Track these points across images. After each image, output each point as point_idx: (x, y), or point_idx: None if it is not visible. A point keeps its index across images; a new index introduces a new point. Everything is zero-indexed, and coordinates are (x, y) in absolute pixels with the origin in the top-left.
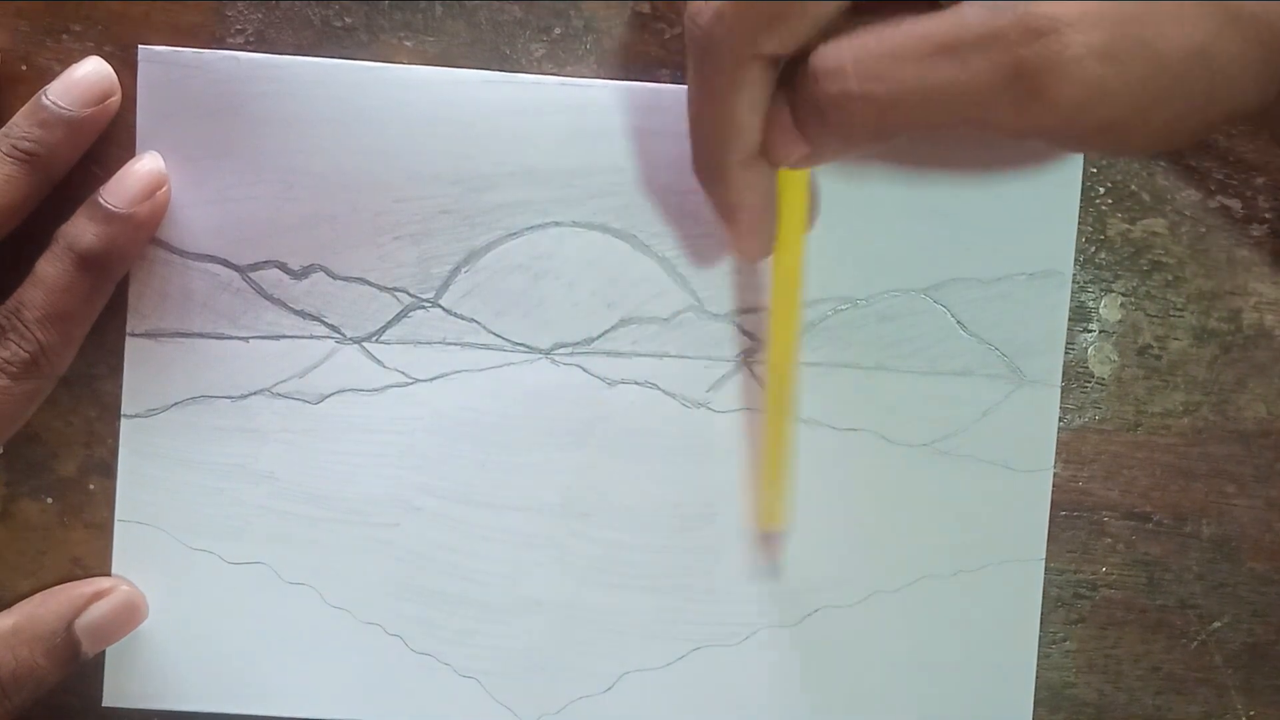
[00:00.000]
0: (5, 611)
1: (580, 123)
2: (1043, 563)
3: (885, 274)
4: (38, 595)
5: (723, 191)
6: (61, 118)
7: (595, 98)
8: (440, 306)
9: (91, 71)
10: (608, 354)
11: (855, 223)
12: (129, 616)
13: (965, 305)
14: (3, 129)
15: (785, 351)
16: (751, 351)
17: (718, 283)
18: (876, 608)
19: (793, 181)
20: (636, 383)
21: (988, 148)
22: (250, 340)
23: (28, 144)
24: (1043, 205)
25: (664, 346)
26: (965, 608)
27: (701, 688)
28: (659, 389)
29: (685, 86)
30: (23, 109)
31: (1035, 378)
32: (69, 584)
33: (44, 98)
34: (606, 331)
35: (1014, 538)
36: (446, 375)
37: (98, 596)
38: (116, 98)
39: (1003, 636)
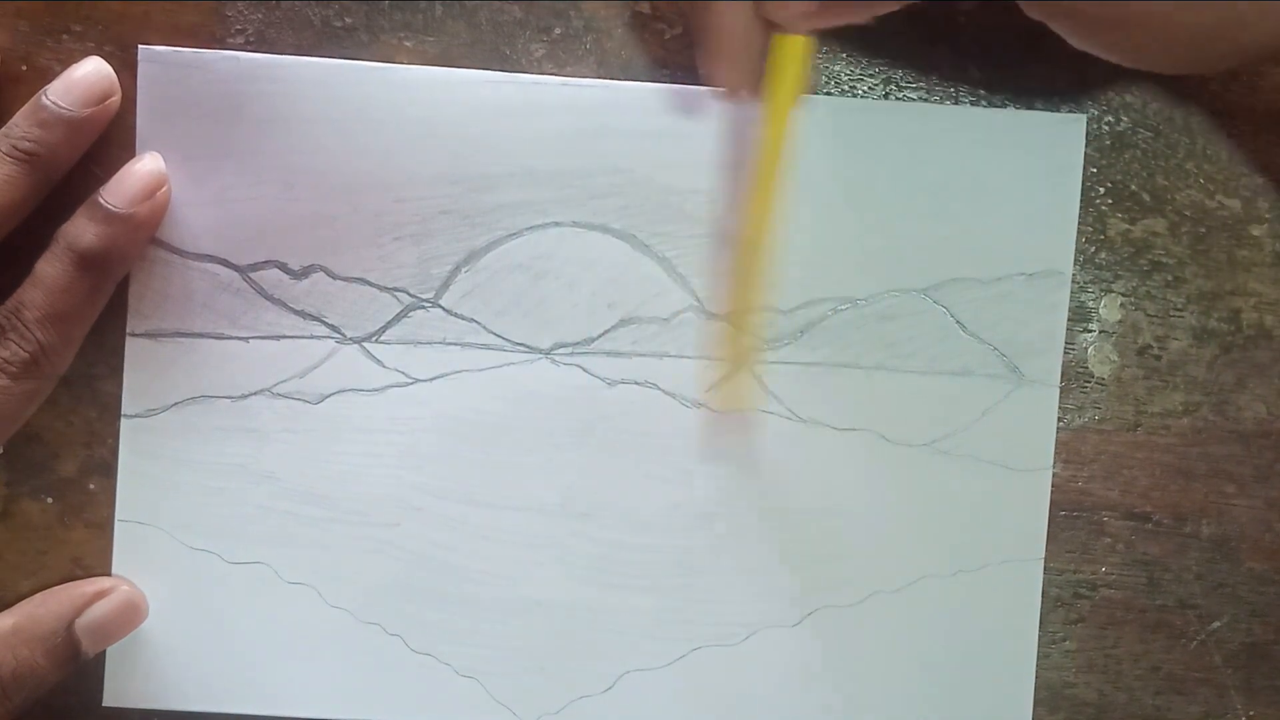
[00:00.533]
0: (5, 611)
1: (580, 123)
2: (1042, 562)
3: (885, 274)
4: (38, 595)
5: (700, 11)
6: (61, 118)
7: (595, 98)
8: (440, 306)
9: (92, 71)
10: (608, 354)
11: (855, 223)
12: (129, 616)
13: (965, 305)
14: (3, 129)
15: (759, 223)
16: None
17: (718, 283)
18: (876, 608)
19: (789, 48)
20: (636, 383)
21: None
22: (250, 340)
23: (28, 144)
24: (1042, 205)
25: (664, 346)
26: (965, 607)
27: (701, 688)
28: (659, 389)
29: (685, 88)
30: (23, 109)
31: (1034, 378)
32: (69, 584)
33: (44, 98)
34: (606, 331)
35: (1013, 538)
36: (446, 375)
37: (98, 596)
38: (116, 98)
39: (1002, 636)
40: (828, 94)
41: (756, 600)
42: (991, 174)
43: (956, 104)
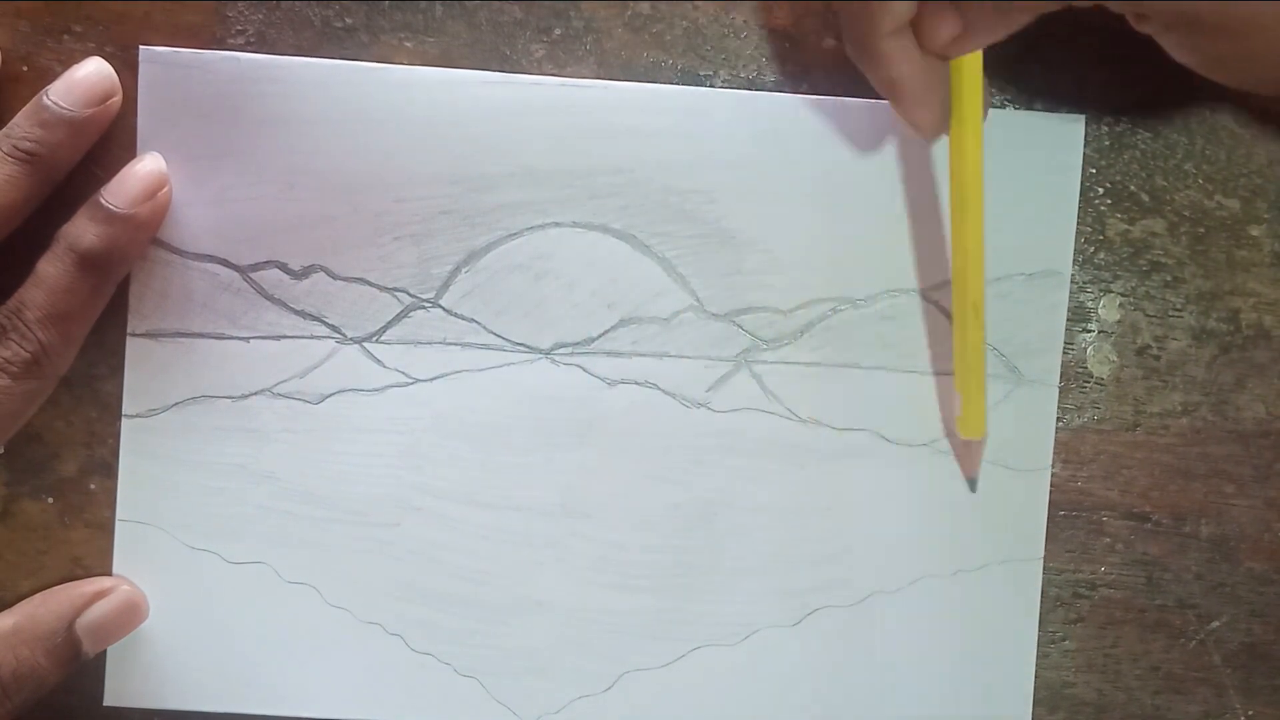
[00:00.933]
0: (6, 611)
1: (580, 123)
2: (1041, 562)
3: (885, 274)
4: (38, 595)
5: (876, 66)
6: (63, 118)
7: (595, 98)
8: (440, 306)
9: (93, 72)
10: (608, 354)
11: (855, 223)
12: (130, 616)
13: None
14: (4, 129)
15: (970, 254)
16: (751, 351)
17: (718, 283)
18: (876, 607)
19: (964, 72)
20: (636, 383)
21: None
22: (251, 340)
23: (29, 144)
24: (1042, 205)
25: (664, 346)
26: (964, 607)
27: (701, 688)
28: (659, 389)
29: (684, 88)
30: (24, 109)
31: (1034, 377)
32: (70, 584)
33: (45, 98)
34: (606, 331)
35: (1013, 537)
36: (447, 375)
37: (99, 596)
38: (117, 98)
39: (1002, 636)
40: (827, 94)
41: (756, 600)
42: (991, 174)
43: None
